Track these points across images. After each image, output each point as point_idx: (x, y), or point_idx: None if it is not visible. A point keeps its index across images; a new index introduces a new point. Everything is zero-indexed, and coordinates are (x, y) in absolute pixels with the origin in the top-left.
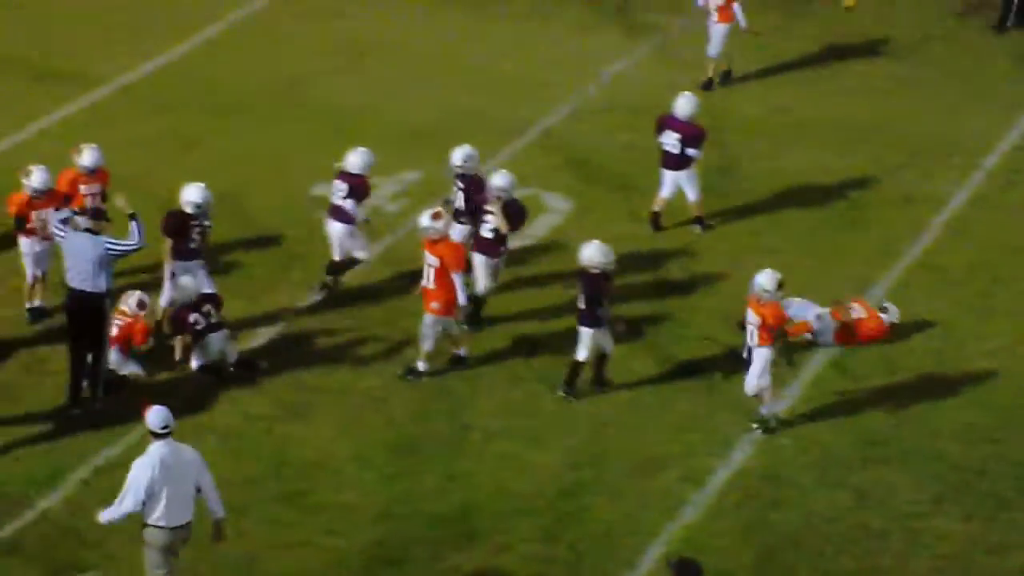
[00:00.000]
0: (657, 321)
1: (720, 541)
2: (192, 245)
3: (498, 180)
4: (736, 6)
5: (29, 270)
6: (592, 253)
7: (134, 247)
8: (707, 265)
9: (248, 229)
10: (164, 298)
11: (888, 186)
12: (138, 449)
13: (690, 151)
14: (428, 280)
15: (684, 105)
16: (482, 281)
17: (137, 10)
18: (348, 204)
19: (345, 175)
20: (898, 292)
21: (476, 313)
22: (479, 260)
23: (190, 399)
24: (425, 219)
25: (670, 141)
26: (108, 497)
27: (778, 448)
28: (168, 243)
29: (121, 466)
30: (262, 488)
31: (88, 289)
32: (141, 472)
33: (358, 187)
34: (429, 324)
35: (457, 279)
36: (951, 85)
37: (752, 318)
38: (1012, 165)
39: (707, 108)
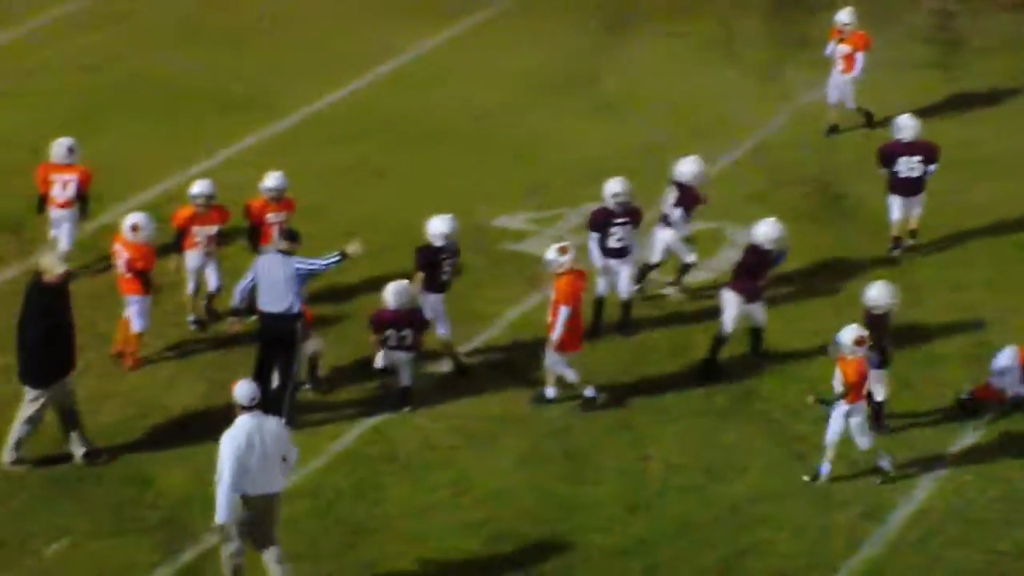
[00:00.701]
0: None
1: None
2: (444, 278)
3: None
4: (859, 56)
5: (191, 283)
6: (767, 230)
7: (324, 266)
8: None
9: None
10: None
11: None
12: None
13: (932, 167)
14: (550, 314)
15: (910, 126)
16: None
17: (321, 42)
18: (676, 212)
19: (676, 184)
20: None
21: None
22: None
23: (373, 427)
24: (551, 253)
25: (910, 165)
26: (288, 523)
27: (961, 485)
28: (419, 276)
29: (304, 495)
30: (442, 517)
31: (279, 311)
32: (230, 447)
33: (687, 197)
34: (548, 359)
35: (563, 312)
36: None
37: (839, 376)
38: None
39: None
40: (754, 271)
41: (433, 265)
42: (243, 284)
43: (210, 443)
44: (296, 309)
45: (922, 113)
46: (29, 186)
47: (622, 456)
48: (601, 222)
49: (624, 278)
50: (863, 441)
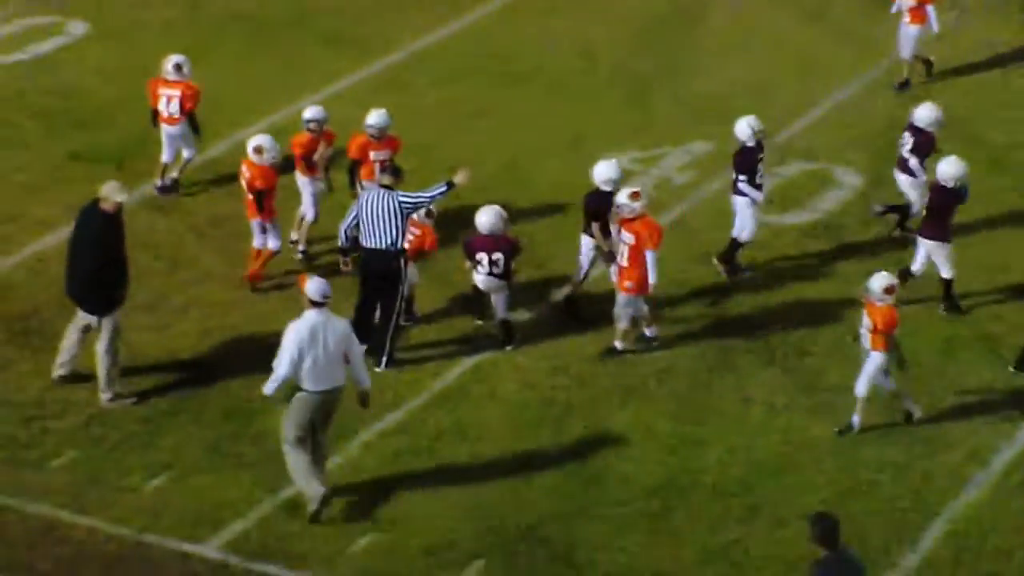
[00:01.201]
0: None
1: (1004, 520)
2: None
3: None
4: (930, 8)
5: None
6: (947, 168)
7: (429, 198)
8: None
9: (535, 198)
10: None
11: None
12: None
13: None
14: (623, 258)
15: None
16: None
17: None
18: (913, 160)
19: (912, 128)
20: None
21: None
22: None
23: (474, 365)
24: (622, 197)
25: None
26: (390, 460)
27: None
28: (595, 225)
29: (405, 432)
30: (543, 457)
31: (383, 246)
32: (294, 335)
33: (924, 142)
34: (622, 304)
35: (651, 257)
36: None
37: (866, 321)
38: None
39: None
40: (939, 211)
41: (603, 211)
42: (347, 222)
43: None
44: (400, 244)
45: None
46: (133, 122)
47: (724, 397)
48: (749, 160)
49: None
50: (886, 383)
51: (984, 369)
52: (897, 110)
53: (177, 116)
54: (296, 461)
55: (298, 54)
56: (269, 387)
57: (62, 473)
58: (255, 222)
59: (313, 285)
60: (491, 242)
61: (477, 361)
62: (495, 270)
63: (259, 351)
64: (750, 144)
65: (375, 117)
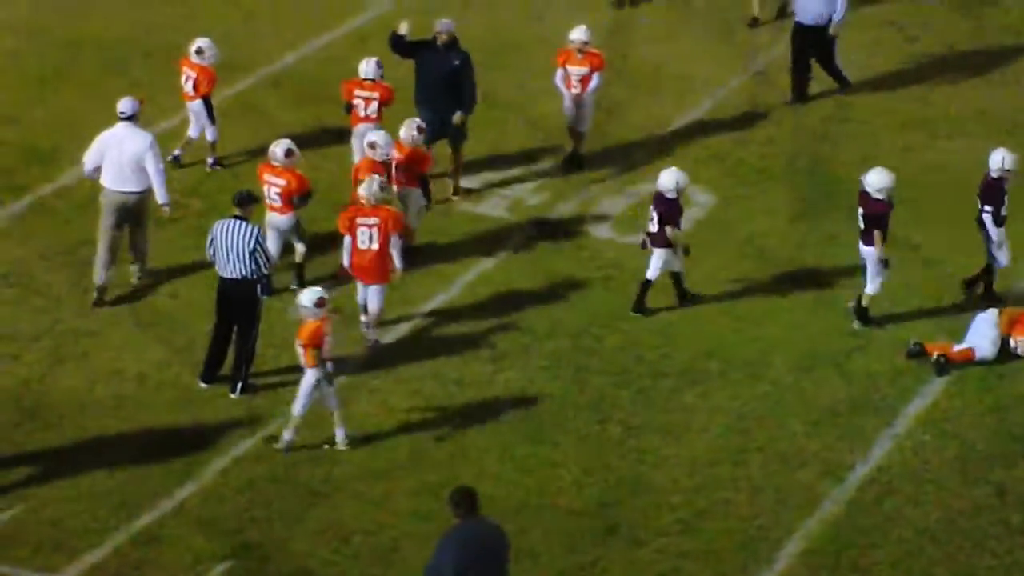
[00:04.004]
0: (793, 314)
1: (859, 537)
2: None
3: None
4: None
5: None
6: (667, 178)
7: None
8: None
9: None
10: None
11: None
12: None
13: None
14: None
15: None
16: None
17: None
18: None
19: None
20: None
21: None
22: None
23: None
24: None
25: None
26: (246, 488)
27: (918, 444)
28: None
29: (261, 459)
30: (401, 480)
31: (238, 276)
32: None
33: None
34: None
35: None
36: None
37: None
38: None
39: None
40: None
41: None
42: (208, 250)
43: None
44: (256, 274)
45: (879, 71)
46: None
47: (580, 418)
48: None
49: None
50: (330, 401)
51: (838, 386)
52: (746, 127)
53: (191, 94)
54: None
55: (147, 77)
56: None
57: None
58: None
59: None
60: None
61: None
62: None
63: (112, 380)
64: (671, 196)
65: (281, 145)
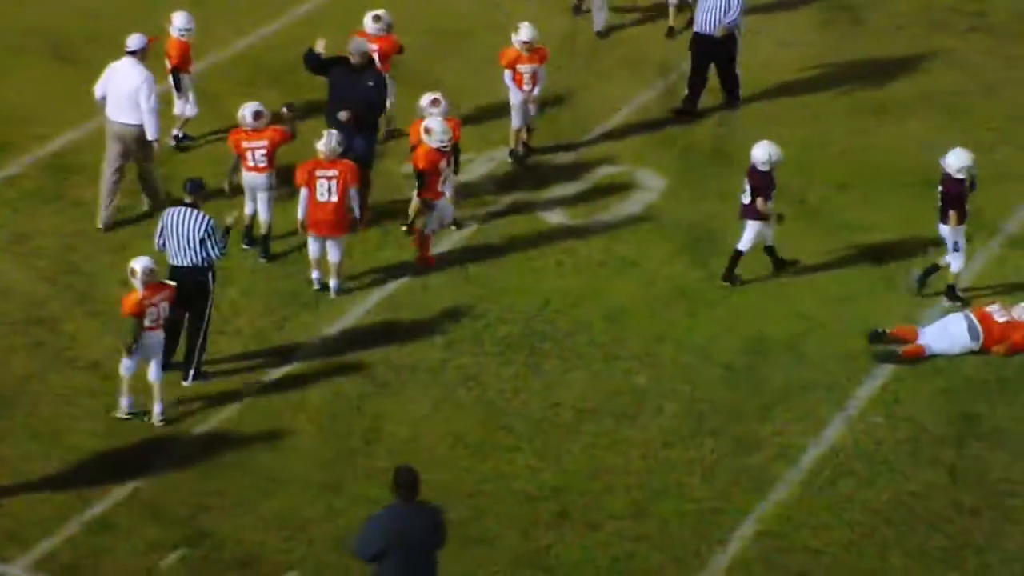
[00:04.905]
0: (746, 297)
1: (812, 519)
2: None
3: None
4: None
5: None
6: (760, 151)
7: (220, 243)
8: (802, 242)
9: None
10: None
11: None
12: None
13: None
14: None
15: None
16: None
17: None
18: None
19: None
20: (995, 270)
21: None
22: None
23: (283, 377)
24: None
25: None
26: (200, 474)
27: (870, 426)
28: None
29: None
30: (354, 466)
31: (189, 264)
32: None
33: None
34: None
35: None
36: None
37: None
38: None
39: (804, 84)
40: (755, 191)
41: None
42: (156, 239)
43: None
44: (207, 262)
45: (827, 52)
46: None
47: (533, 403)
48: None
49: None
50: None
51: (789, 367)
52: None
53: (168, 68)
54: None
55: (98, 66)
56: None
57: None
58: None
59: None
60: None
61: (286, 371)
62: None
63: (65, 369)
64: (764, 169)
65: (249, 108)
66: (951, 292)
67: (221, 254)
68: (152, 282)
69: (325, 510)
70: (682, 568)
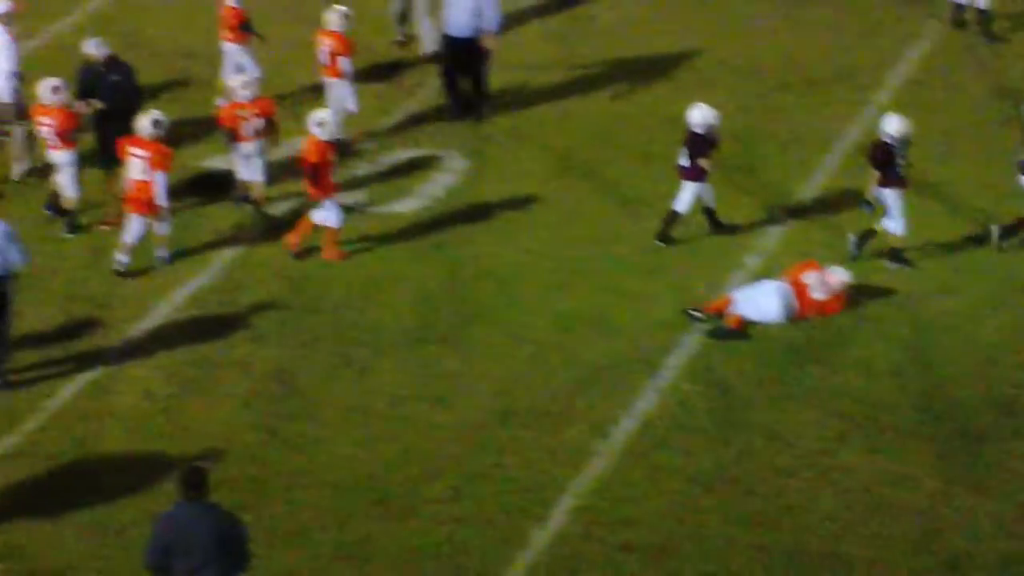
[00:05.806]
0: (554, 276)
1: (630, 490)
2: (899, 172)
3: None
4: None
5: None
6: (695, 113)
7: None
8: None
9: None
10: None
11: (777, 125)
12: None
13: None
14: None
15: None
16: None
17: None
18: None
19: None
20: (799, 233)
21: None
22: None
23: (89, 383)
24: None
25: None
26: (7, 488)
27: (682, 394)
28: (876, 175)
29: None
30: (168, 468)
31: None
32: None
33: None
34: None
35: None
36: (842, 21)
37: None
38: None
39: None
40: (691, 153)
41: (888, 162)
42: None
43: None
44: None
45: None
46: None
47: (345, 392)
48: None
49: None
50: None
51: (599, 342)
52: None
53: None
54: None
55: None
56: None
57: None
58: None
59: None
60: None
61: (92, 377)
62: None
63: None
64: (699, 131)
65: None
66: (894, 254)
67: (24, 261)
68: None
69: (141, 513)
70: (504, 547)
